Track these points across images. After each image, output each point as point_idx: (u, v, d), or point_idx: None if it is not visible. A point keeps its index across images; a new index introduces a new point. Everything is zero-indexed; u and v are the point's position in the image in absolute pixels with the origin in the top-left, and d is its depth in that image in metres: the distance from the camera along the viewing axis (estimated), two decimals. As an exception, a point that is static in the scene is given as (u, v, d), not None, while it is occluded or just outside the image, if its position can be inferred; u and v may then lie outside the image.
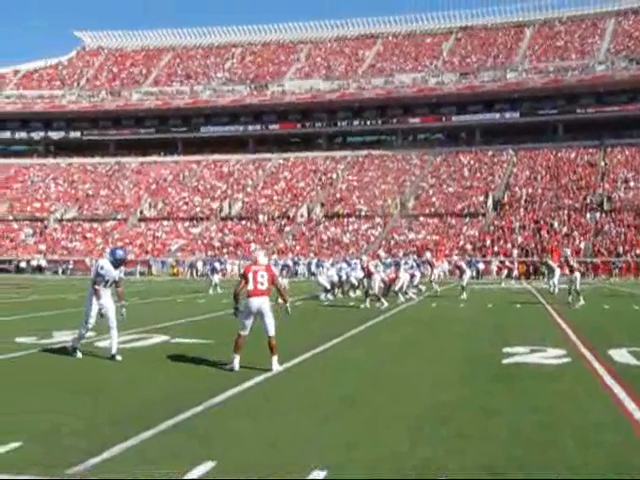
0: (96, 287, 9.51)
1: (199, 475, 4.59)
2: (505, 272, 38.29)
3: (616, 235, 48.23)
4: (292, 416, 6.32)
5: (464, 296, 23.76)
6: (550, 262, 27.59)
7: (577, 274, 21.21)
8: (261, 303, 8.64)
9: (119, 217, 64.27)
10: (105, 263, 9.63)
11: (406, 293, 23.20)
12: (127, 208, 65.71)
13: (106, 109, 77.42)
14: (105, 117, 78.15)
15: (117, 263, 9.66)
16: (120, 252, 9.91)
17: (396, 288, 22.10)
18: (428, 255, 30.32)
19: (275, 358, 8.71)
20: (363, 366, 9.28)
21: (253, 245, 33.19)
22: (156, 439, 5.51)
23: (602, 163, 60.39)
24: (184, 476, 4.55)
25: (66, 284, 35.76)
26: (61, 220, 64.97)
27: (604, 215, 51.57)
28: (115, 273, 9.63)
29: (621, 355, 9.95)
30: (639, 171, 57.50)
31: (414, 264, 26.41)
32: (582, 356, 10.02)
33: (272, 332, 8.69)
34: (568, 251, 24.38)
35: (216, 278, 28.34)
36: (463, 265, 25.81)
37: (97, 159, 76.47)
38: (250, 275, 8.68)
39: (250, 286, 8.63)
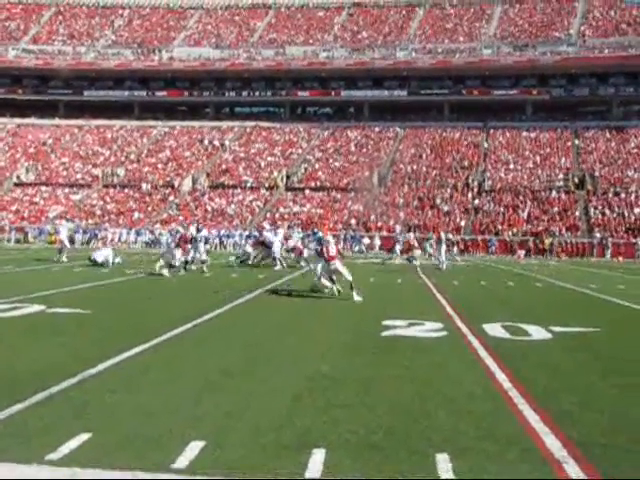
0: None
1: (73, 448, 4.47)
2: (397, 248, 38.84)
3: (495, 214, 50.08)
4: (171, 387, 6.25)
5: None
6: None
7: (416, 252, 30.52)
8: None
9: (-7, 181, 61.27)
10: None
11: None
12: (2, 172, 62.63)
13: (-22, 65, 73.21)
14: (-23, 74, 73.97)
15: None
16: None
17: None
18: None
19: None
20: (245, 337, 9.27)
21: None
22: (28, 412, 5.31)
23: (485, 144, 62.45)
24: (57, 449, 4.41)
25: None
26: None
27: (484, 195, 53.41)
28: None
29: (494, 329, 10.36)
30: (519, 154, 59.79)
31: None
32: (458, 330, 10.36)
33: None
34: (411, 235, 34.54)
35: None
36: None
37: (-31, 119, 72.39)
38: None
39: None
